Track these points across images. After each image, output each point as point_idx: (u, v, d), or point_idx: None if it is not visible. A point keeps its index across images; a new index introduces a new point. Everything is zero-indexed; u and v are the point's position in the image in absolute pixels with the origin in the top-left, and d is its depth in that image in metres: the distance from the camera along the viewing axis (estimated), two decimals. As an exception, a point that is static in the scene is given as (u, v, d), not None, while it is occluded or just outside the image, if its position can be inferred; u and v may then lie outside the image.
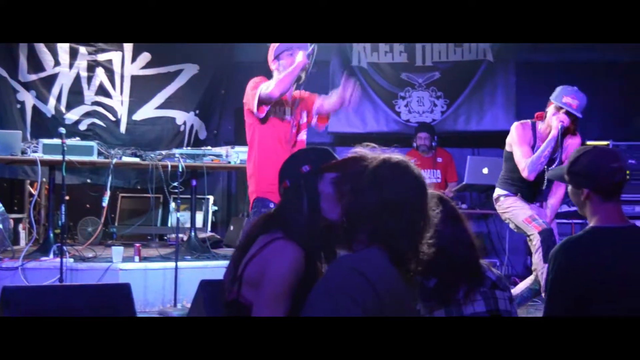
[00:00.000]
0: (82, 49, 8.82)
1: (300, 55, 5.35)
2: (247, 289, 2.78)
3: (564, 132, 5.71)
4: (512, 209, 5.95)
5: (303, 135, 5.68)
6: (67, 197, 6.64)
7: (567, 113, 5.65)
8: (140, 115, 9.19)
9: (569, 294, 3.04)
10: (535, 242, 5.77)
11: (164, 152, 7.28)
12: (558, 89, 5.83)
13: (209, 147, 7.75)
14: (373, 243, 2.51)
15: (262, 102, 5.31)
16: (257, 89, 5.29)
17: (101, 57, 8.96)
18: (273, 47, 5.57)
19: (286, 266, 2.72)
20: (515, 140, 5.88)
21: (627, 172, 6.93)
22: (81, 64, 8.85)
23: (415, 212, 2.55)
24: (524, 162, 5.76)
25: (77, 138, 7.49)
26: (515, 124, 5.95)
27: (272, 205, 5.05)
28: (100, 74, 8.96)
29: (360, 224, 2.53)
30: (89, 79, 8.90)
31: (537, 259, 5.78)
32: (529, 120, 5.92)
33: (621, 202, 3.22)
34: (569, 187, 3.30)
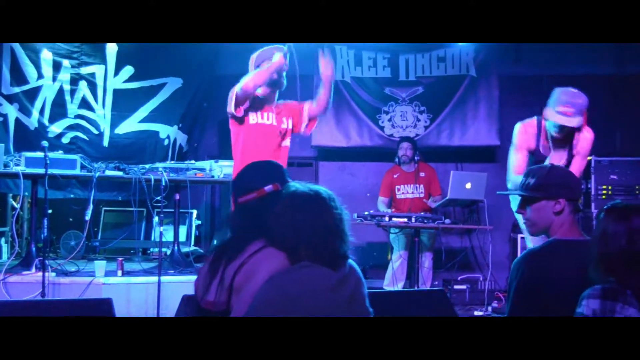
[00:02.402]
0: (65, 62, 8.79)
1: (277, 55, 5.52)
2: (235, 297, 2.84)
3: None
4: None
5: (287, 142, 5.80)
6: (49, 211, 6.60)
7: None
8: (123, 128, 9.16)
9: (530, 303, 3.13)
10: None
11: (147, 166, 7.26)
12: (555, 93, 5.62)
13: (193, 161, 7.74)
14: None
15: (238, 99, 5.40)
16: (234, 91, 5.46)
17: (84, 70, 8.93)
18: (253, 57, 5.65)
19: (272, 272, 2.78)
20: (513, 143, 5.81)
21: (610, 188, 6.94)
22: (64, 77, 8.82)
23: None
24: (511, 177, 5.71)
25: (60, 151, 7.45)
26: (518, 124, 5.83)
27: None
28: (83, 87, 8.92)
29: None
30: (72, 92, 8.87)
31: None
32: (534, 119, 5.79)
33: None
34: (533, 205, 3.37)
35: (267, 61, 5.58)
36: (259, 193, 3.03)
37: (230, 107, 5.49)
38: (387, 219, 7.52)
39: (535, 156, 5.79)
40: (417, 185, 8.67)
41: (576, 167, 5.62)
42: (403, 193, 8.72)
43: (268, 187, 3.03)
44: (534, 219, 3.40)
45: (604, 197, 7.87)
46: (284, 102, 5.85)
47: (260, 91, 5.66)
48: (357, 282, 2.86)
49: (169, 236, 7.65)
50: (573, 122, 5.48)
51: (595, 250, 2.93)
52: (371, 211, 7.61)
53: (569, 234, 3.29)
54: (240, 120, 5.61)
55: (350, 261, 2.89)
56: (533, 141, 5.74)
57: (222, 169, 7.29)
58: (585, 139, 5.71)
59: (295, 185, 2.96)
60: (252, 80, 5.41)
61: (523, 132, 5.75)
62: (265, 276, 2.78)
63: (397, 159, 8.80)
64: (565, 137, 5.65)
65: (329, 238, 2.82)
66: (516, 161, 5.74)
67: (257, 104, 5.65)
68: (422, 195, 8.67)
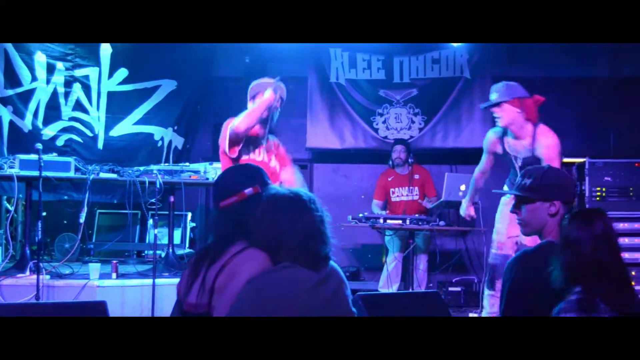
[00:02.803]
0: (59, 65, 8.79)
1: (267, 92, 5.42)
2: (217, 297, 2.85)
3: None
4: (496, 219, 6.18)
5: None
6: (44, 213, 6.60)
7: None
8: (118, 131, 9.16)
9: (523, 303, 3.13)
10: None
11: (141, 168, 7.25)
12: None
13: (187, 164, 7.74)
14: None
15: (232, 140, 5.34)
16: (227, 130, 5.35)
17: (78, 72, 8.92)
18: (250, 87, 5.62)
19: (254, 273, 2.81)
20: (483, 147, 6.38)
21: (604, 190, 7.02)
22: (58, 79, 8.81)
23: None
24: (474, 174, 6.45)
25: (54, 154, 7.44)
26: (489, 131, 6.36)
27: None
28: (77, 90, 8.92)
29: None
30: (66, 95, 8.86)
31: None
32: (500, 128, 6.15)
33: None
34: (528, 206, 3.37)
35: (260, 95, 5.49)
36: (240, 196, 3.06)
37: (225, 147, 5.39)
38: (381, 221, 7.52)
39: (506, 157, 6.18)
40: (412, 188, 8.69)
41: None
42: (398, 196, 8.73)
43: (248, 190, 3.06)
44: (528, 220, 3.40)
45: (598, 198, 7.88)
46: (275, 143, 5.76)
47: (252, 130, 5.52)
48: (339, 283, 2.87)
49: (163, 238, 7.64)
50: (494, 101, 6.02)
51: (560, 257, 2.95)
52: (365, 213, 7.61)
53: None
54: (235, 161, 5.51)
55: (332, 263, 2.92)
56: (499, 146, 6.16)
57: (217, 171, 7.28)
58: (546, 146, 5.84)
59: (276, 187, 3.01)
60: (243, 122, 5.29)
61: (490, 140, 6.25)
62: (246, 277, 2.80)
63: (390, 162, 8.81)
64: (517, 132, 5.98)
65: (310, 240, 2.84)
66: (482, 163, 6.44)
67: (250, 144, 5.53)
68: (416, 197, 8.69)
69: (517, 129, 5.93)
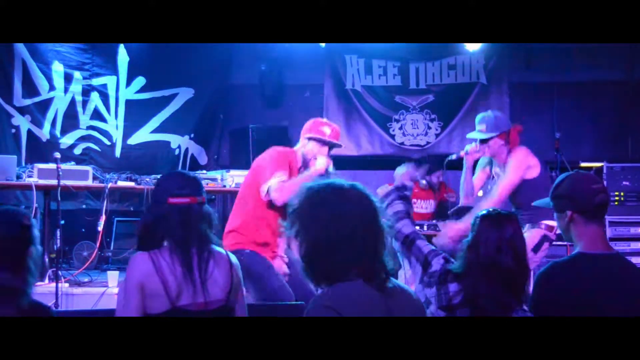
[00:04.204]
0: (77, 74, 8.84)
1: (321, 161, 4.98)
2: (233, 295, 3.07)
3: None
4: None
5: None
6: (62, 222, 6.63)
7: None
8: (135, 139, 9.19)
9: (551, 315, 3.09)
10: None
11: (158, 176, 7.26)
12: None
13: (204, 171, 7.74)
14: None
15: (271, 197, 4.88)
16: (269, 180, 4.87)
17: (96, 81, 8.98)
18: (306, 127, 5.18)
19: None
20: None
21: (623, 194, 6.93)
22: (76, 88, 8.86)
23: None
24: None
25: (72, 162, 7.49)
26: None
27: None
28: (95, 99, 8.97)
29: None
30: (84, 104, 8.91)
31: None
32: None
33: (604, 226, 3.28)
34: (555, 214, 3.36)
35: (313, 162, 5.01)
36: (192, 200, 3.12)
37: (262, 191, 4.89)
38: (399, 226, 7.47)
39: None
40: (429, 201, 8.60)
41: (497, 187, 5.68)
42: (417, 208, 8.66)
43: (199, 197, 3.17)
44: (559, 227, 3.40)
45: (616, 203, 7.83)
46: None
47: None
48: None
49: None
50: (483, 137, 5.81)
51: (465, 254, 3.06)
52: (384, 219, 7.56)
53: (591, 246, 3.19)
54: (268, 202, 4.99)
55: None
56: (488, 171, 6.16)
57: (234, 179, 7.29)
58: (512, 161, 5.72)
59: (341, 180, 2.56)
60: (283, 195, 4.70)
61: (480, 168, 6.21)
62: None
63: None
64: (500, 160, 5.84)
65: (374, 249, 2.52)
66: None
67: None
68: (431, 210, 8.58)
69: (500, 159, 5.85)
